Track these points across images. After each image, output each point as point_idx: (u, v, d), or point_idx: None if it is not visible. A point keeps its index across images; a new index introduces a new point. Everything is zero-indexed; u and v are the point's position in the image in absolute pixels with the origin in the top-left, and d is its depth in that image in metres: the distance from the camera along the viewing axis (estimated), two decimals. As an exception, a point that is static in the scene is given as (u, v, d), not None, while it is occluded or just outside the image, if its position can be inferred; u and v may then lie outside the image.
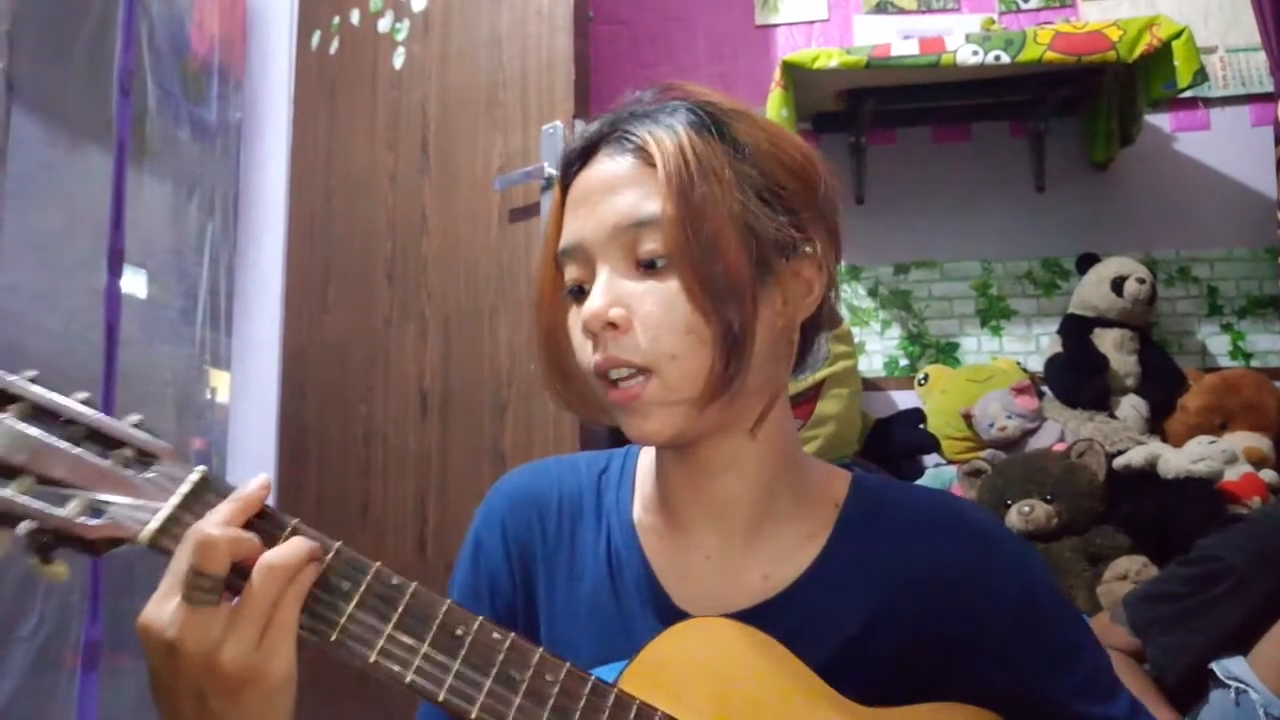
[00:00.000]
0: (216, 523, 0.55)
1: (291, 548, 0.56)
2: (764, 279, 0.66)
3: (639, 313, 0.64)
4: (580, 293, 0.67)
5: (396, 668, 0.57)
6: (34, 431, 0.56)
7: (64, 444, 0.57)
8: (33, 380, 0.58)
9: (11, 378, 0.57)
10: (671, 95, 0.70)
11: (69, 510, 0.55)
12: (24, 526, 0.54)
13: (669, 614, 0.71)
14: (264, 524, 0.58)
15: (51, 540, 0.55)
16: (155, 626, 0.54)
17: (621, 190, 0.66)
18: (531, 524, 0.79)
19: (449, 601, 0.59)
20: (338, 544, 0.59)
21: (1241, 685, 1.36)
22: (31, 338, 1.82)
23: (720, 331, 0.63)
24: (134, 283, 2.13)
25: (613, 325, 0.64)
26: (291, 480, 2.23)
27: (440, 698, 0.57)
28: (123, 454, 0.58)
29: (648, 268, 0.65)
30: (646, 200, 0.65)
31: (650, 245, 0.64)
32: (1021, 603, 0.71)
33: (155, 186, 2.23)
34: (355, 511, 2.06)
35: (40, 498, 0.55)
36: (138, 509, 0.57)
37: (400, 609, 0.58)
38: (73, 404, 0.58)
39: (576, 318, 0.68)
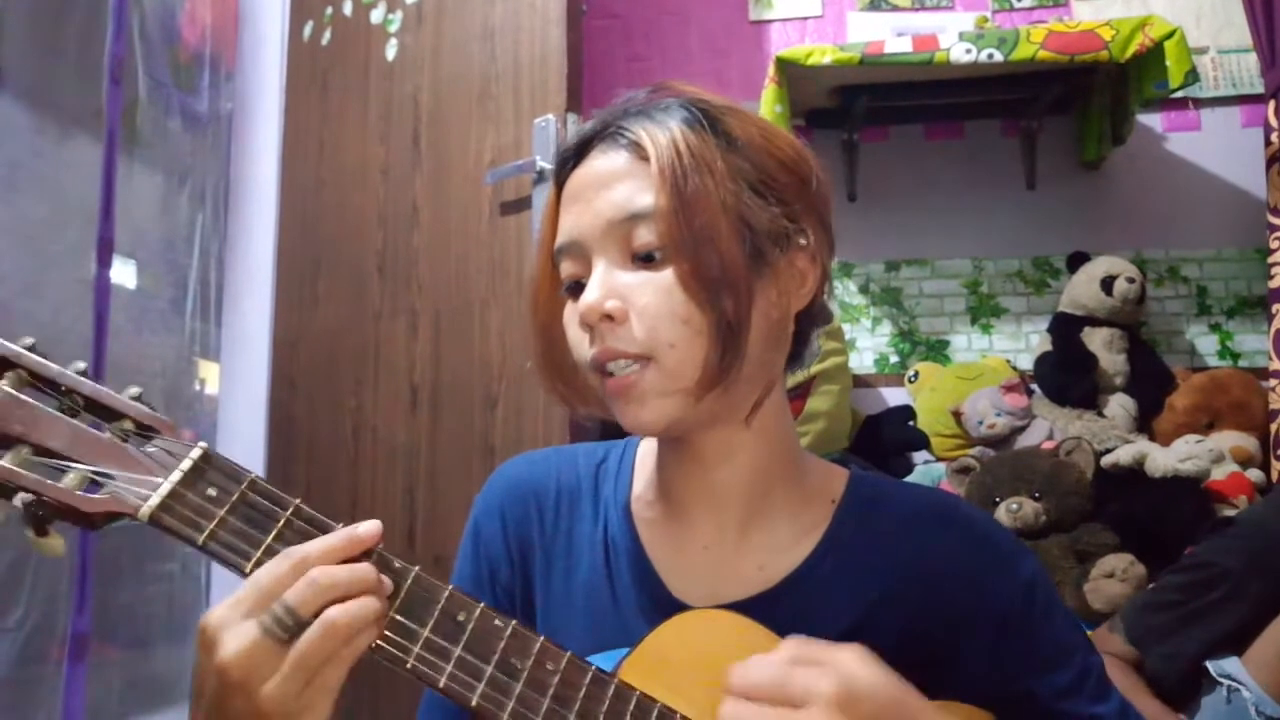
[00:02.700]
0: (318, 554, 0.54)
1: (362, 607, 0.54)
2: (759, 269, 0.66)
3: (635, 304, 0.65)
4: (577, 288, 0.68)
5: (398, 653, 0.56)
6: (30, 401, 0.55)
7: (61, 415, 0.56)
8: (29, 348, 0.56)
9: (7, 344, 0.56)
10: (663, 94, 0.71)
11: (67, 483, 0.54)
12: (20, 498, 0.53)
13: (664, 604, 0.72)
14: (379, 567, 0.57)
15: (48, 513, 0.54)
16: (214, 638, 0.53)
17: (615, 184, 0.66)
18: (529, 512, 0.80)
19: (451, 587, 0.59)
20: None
21: (1234, 684, 1.37)
22: (20, 327, 1.79)
23: (716, 321, 0.63)
24: (123, 273, 2.12)
25: (609, 317, 0.64)
26: (280, 473, 2.23)
27: (441, 684, 0.56)
28: (122, 426, 0.57)
29: (643, 260, 0.65)
30: (641, 193, 0.65)
31: (645, 237, 0.65)
32: (1014, 602, 0.72)
33: (145, 176, 2.21)
34: (344, 504, 2.06)
35: (37, 469, 0.54)
36: (137, 484, 0.55)
37: (402, 594, 0.58)
38: (70, 374, 0.57)
39: (573, 313, 0.68)
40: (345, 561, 0.56)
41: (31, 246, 1.89)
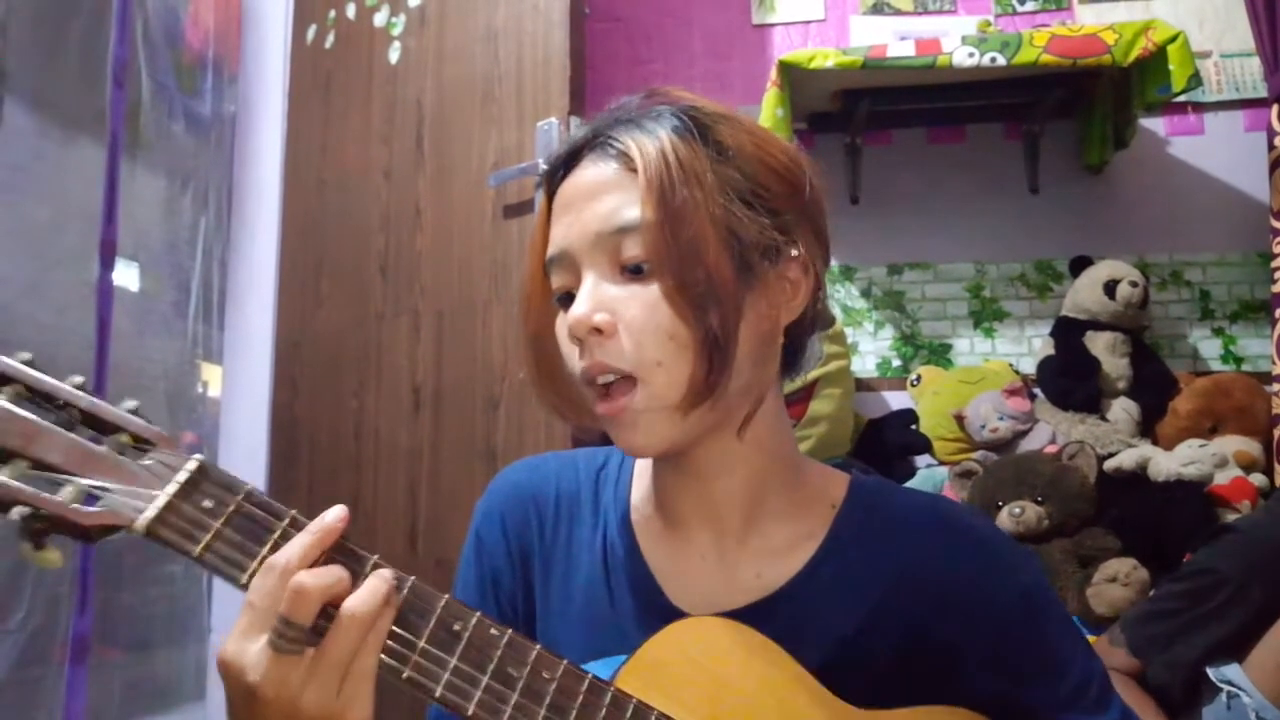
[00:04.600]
0: (299, 559, 0.55)
1: (373, 593, 0.55)
2: (747, 282, 0.65)
3: (623, 318, 0.64)
4: (568, 299, 0.67)
5: (394, 663, 0.56)
6: (28, 414, 0.55)
7: (58, 428, 0.56)
8: (27, 363, 0.57)
9: (5, 359, 0.56)
10: (656, 100, 0.70)
11: (63, 496, 0.54)
12: (17, 512, 0.53)
13: (664, 611, 0.72)
14: (343, 559, 0.57)
15: (45, 526, 0.54)
16: (236, 666, 0.54)
17: (604, 196, 0.66)
18: (529, 519, 0.80)
19: (446, 596, 0.59)
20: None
21: (1234, 689, 1.37)
22: (23, 330, 1.82)
23: (702, 336, 0.63)
24: (126, 275, 2.12)
25: (598, 330, 0.64)
26: (282, 475, 2.23)
27: (437, 693, 0.56)
28: (118, 440, 0.58)
29: (632, 273, 0.65)
30: (628, 206, 0.65)
31: (632, 251, 0.64)
32: (1015, 609, 0.71)
33: (148, 179, 2.22)
34: (346, 506, 2.06)
35: (34, 483, 0.54)
36: (134, 496, 0.55)
37: (398, 604, 0.57)
38: (67, 388, 0.57)
39: (564, 324, 0.68)
40: (325, 554, 0.57)
41: (34, 249, 1.89)
